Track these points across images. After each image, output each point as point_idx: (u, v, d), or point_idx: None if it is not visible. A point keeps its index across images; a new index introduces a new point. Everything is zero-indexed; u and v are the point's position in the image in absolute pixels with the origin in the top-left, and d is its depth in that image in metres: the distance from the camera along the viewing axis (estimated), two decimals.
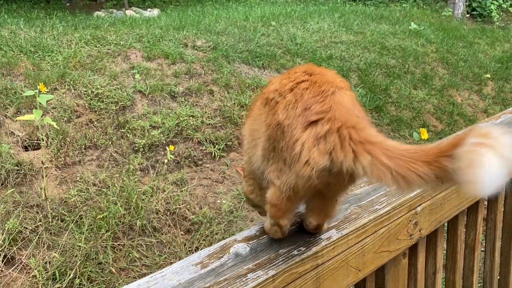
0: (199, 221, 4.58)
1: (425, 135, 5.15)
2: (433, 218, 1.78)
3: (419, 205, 1.70)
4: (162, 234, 4.33)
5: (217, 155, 5.64)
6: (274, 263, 1.34)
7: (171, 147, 5.11)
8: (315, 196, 1.21)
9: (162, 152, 5.42)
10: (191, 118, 5.88)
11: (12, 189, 4.15)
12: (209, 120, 6.00)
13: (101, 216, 4.08)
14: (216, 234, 4.42)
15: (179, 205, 4.68)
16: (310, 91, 1.05)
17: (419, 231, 1.73)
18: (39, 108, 4.48)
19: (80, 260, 3.71)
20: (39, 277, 3.55)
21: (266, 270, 1.31)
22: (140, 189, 4.63)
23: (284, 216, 1.26)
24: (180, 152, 5.46)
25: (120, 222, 4.17)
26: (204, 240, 4.36)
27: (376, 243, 1.56)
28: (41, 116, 4.27)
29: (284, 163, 1.07)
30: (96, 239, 3.93)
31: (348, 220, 1.53)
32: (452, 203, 1.85)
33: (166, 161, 5.07)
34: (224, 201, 4.95)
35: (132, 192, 4.46)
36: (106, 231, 4.05)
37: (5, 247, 3.66)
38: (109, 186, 4.58)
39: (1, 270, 3.60)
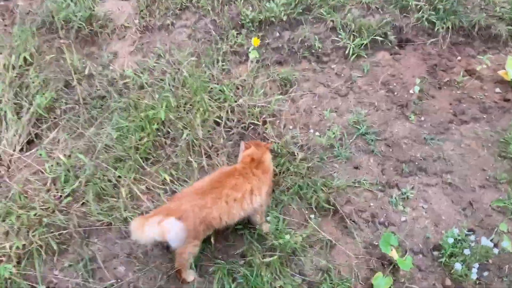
0: (277, 153, 3.27)
1: None
2: None
3: None
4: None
5: (353, 54, 3.89)
6: None
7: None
8: None
9: (278, 34, 3.94)
10: None
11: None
12: None
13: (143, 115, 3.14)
14: (289, 180, 3.10)
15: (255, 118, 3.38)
16: None
17: None
18: None
19: None
20: None
21: None
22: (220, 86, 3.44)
23: None
24: (302, 37, 3.89)
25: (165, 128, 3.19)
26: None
27: None
28: None
29: None
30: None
31: None
32: None
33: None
34: (331, 129, 3.43)
35: (198, 91, 3.31)
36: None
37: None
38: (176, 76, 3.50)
39: None
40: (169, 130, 3.19)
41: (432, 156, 3.46)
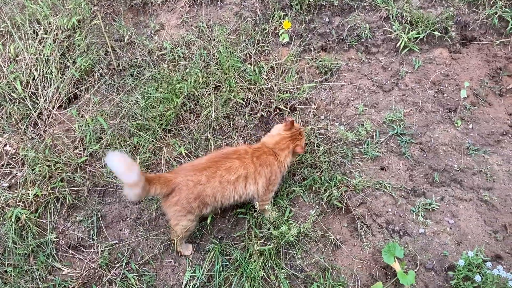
0: None
1: None
2: None
3: None
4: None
5: (405, 47, 3.60)
6: None
7: None
8: None
9: (327, 19, 3.75)
10: None
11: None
12: None
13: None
14: (305, 171, 2.99)
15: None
16: None
17: None
18: None
19: None
20: None
21: None
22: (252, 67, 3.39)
23: None
24: (352, 25, 3.68)
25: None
26: None
27: None
28: None
29: None
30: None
31: None
32: None
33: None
34: (364, 124, 3.25)
35: (230, 67, 3.29)
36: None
37: None
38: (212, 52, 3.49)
39: None
40: (194, 105, 3.21)
41: (472, 168, 3.14)
